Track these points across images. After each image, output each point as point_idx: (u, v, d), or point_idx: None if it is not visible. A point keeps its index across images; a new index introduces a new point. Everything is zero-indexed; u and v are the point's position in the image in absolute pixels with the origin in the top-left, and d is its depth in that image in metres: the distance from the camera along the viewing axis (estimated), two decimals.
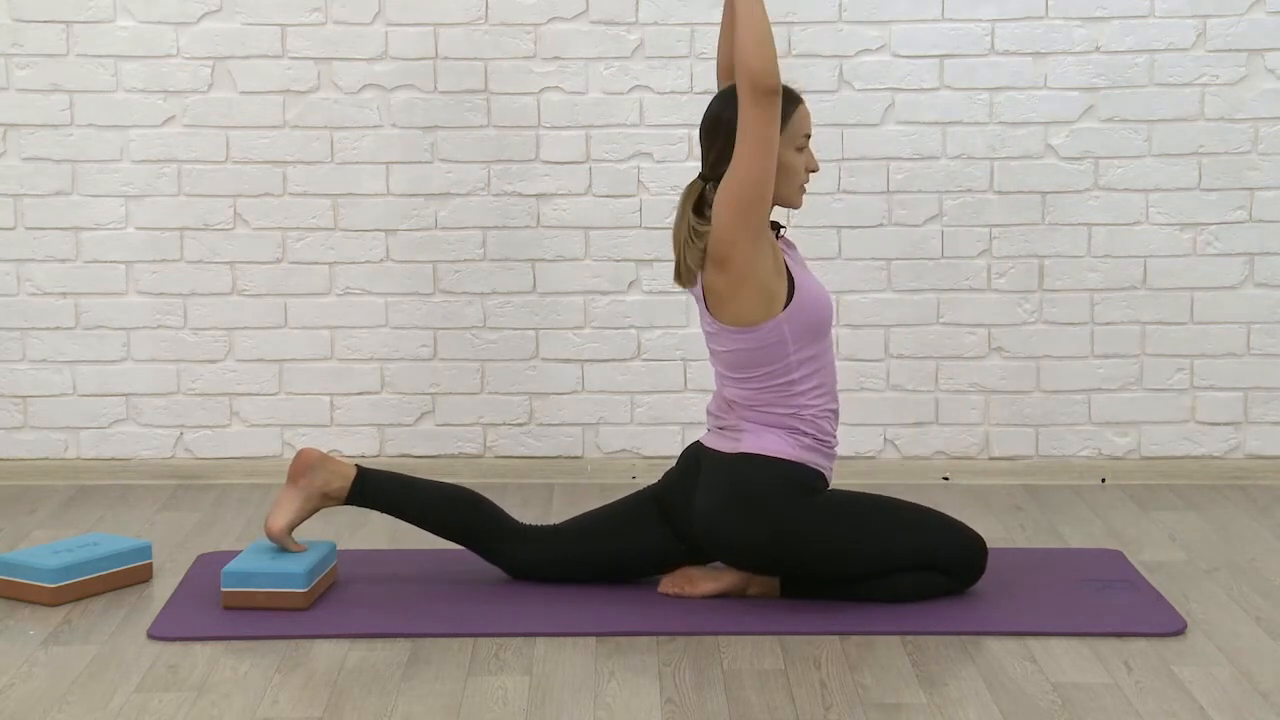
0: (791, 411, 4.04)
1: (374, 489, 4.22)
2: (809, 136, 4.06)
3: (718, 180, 4.01)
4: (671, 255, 4.14)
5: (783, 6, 5.00)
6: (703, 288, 4.06)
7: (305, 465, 4.18)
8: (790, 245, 4.16)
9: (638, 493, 4.27)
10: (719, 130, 4.01)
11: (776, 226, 4.14)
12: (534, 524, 4.32)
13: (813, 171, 4.09)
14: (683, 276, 4.09)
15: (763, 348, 4.01)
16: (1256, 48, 5.09)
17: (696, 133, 5.06)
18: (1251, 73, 5.10)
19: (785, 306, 4.00)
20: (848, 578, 4.07)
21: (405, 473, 4.35)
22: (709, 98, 5.04)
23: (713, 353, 4.12)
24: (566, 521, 4.29)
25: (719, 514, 4.03)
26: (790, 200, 4.07)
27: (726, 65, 4.16)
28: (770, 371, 4.03)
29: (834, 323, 4.18)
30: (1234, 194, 5.13)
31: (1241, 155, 5.12)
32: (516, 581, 4.26)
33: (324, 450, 5.09)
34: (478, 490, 4.36)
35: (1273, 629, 3.96)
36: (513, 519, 4.28)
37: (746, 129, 3.88)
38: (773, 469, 4.01)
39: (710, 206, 4.01)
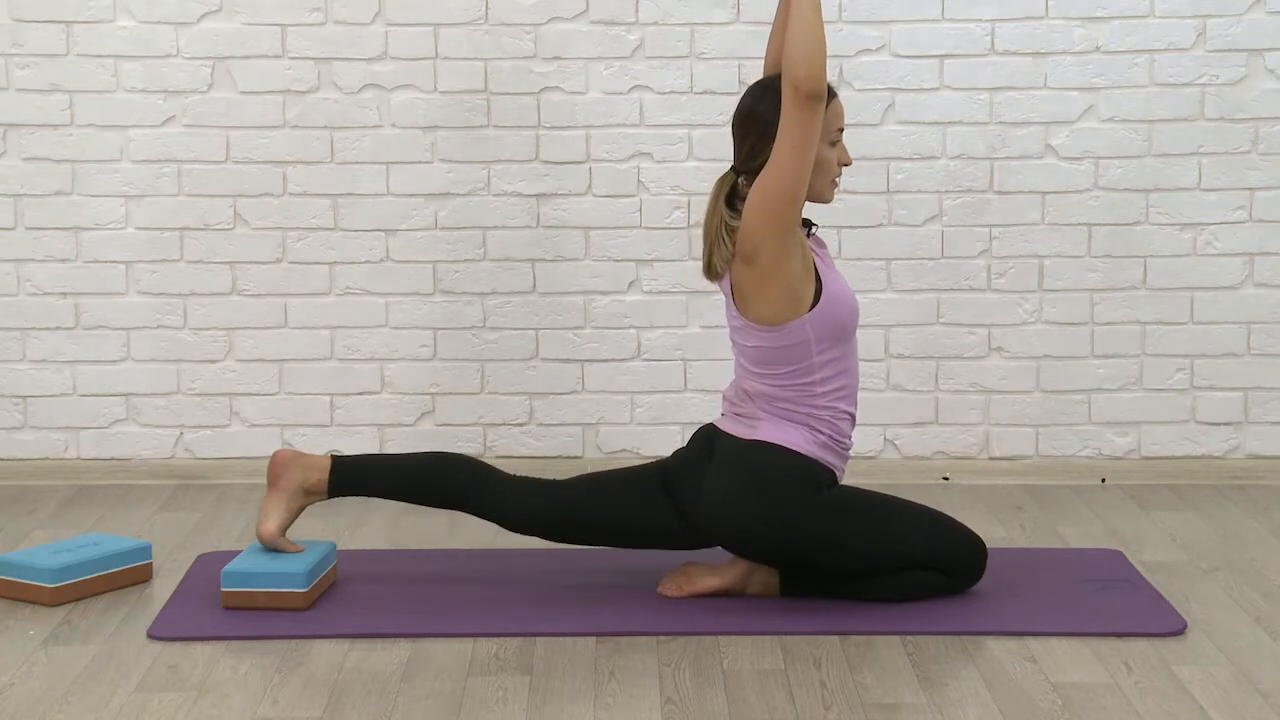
0: (810, 410, 4.04)
1: (353, 475, 4.20)
2: (842, 130, 4.05)
3: (749, 173, 4.00)
4: (700, 248, 4.12)
5: None
6: (730, 282, 4.06)
7: (281, 467, 4.18)
8: (821, 244, 4.16)
9: (645, 466, 4.24)
10: (752, 123, 4.00)
11: (808, 225, 4.13)
12: (529, 475, 4.28)
13: (845, 166, 4.08)
14: (711, 269, 4.07)
15: (786, 347, 4.01)
16: (1256, 48, 5.09)
17: (697, 133, 5.09)
18: (1251, 73, 5.10)
19: (811, 308, 4.00)
20: (848, 573, 4.07)
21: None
22: (709, 97, 5.08)
23: (736, 345, 4.12)
24: (568, 479, 4.24)
25: (728, 498, 4.03)
26: (821, 195, 4.06)
27: (775, 60, 4.13)
28: (792, 371, 4.03)
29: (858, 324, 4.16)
30: (1234, 194, 5.13)
31: (1241, 155, 5.12)
32: (516, 581, 4.25)
33: (323, 451, 5.10)
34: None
35: (1273, 629, 3.96)
36: (501, 471, 4.21)
37: (787, 131, 3.87)
38: (786, 460, 4.01)
39: (742, 200, 4.01)
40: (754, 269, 3.97)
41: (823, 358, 4.03)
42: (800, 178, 3.90)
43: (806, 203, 4.03)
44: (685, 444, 4.23)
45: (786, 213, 3.92)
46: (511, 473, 4.25)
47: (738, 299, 4.05)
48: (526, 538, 4.31)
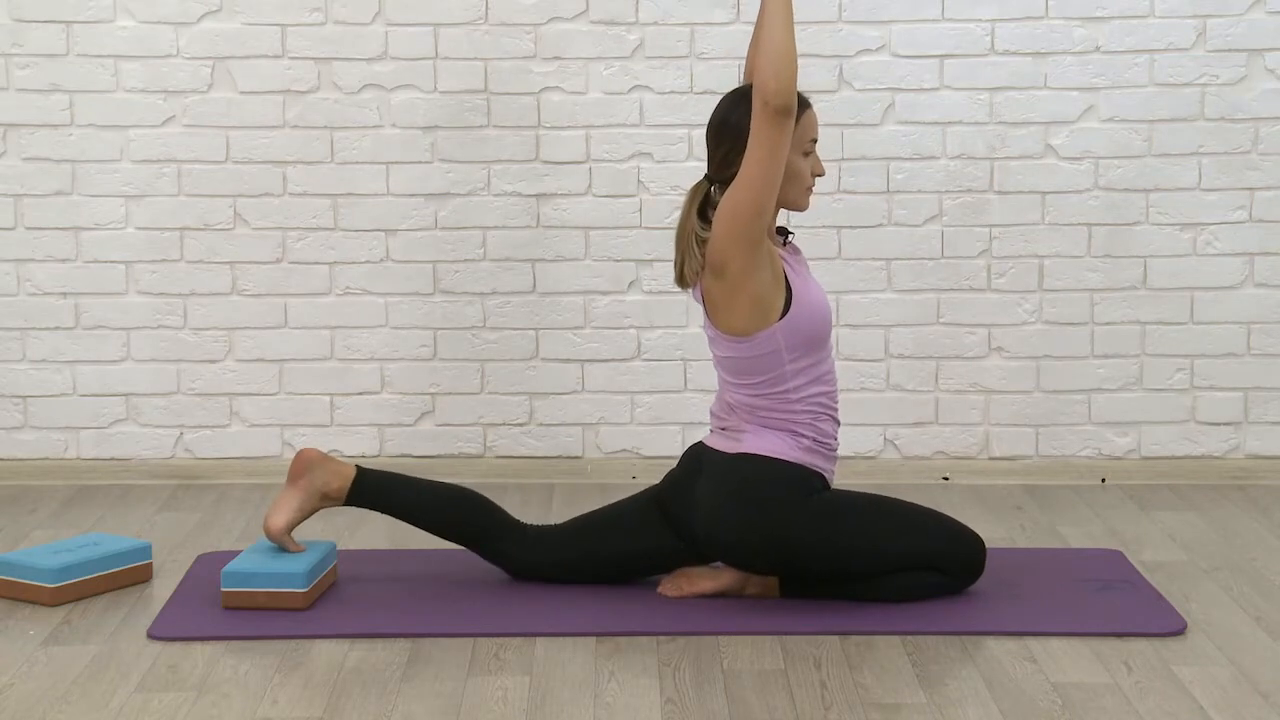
0: (789, 416, 4.04)
1: (373, 489, 4.22)
2: (815, 141, 4.05)
3: (722, 182, 4.00)
4: (673, 255, 4.13)
5: None
6: (701, 292, 4.06)
7: (305, 465, 4.19)
8: (795, 251, 4.16)
9: (639, 494, 4.27)
10: (726, 132, 4.00)
11: (785, 232, 4.13)
12: (534, 524, 4.32)
13: (818, 176, 4.08)
14: (682, 279, 4.09)
15: (757, 356, 4.01)
16: (1256, 48, 5.09)
17: (696, 133, 5.09)
18: (1251, 73, 5.10)
19: (782, 317, 3.99)
20: (846, 577, 4.07)
21: (405, 473, 4.35)
22: (709, 98, 5.07)
23: (714, 355, 4.13)
24: (567, 522, 4.29)
25: (719, 513, 4.03)
26: (796, 203, 4.06)
27: (753, 68, 4.14)
28: (766, 379, 4.02)
29: (833, 331, 4.16)
30: (1234, 194, 5.13)
31: (1241, 155, 5.12)
32: (516, 581, 4.26)
33: (324, 450, 5.10)
34: (478, 490, 4.36)
35: (1273, 629, 3.96)
36: (513, 518, 4.27)
37: (755, 145, 3.86)
38: (773, 469, 4.01)
39: (714, 209, 4.00)
40: (723, 280, 3.97)
41: (795, 366, 4.02)
42: (768, 191, 3.90)
43: (782, 210, 4.04)
44: (676, 465, 4.23)
45: (754, 225, 3.91)
46: (523, 524, 4.27)
47: (709, 309, 4.05)
48: None
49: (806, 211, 4.20)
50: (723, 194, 3.98)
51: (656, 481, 4.28)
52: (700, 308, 4.12)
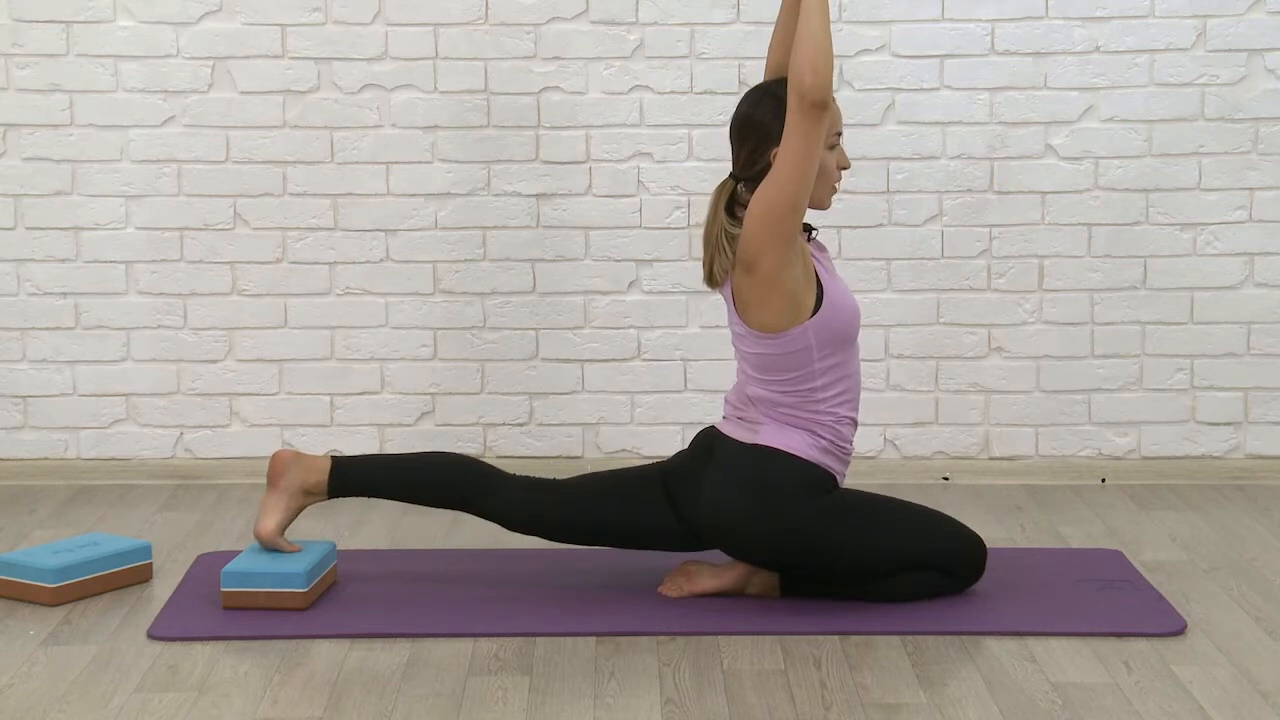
0: (812, 416, 4.03)
1: (353, 476, 4.20)
2: (840, 134, 4.04)
3: (749, 179, 4.00)
4: (701, 255, 4.11)
5: None
6: (731, 290, 4.05)
7: (281, 466, 4.18)
8: (821, 248, 4.15)
9: (646, 466, 4.23)
10: (750, 129, 3.99)
11: (808, 229, 4.13)
12: (526, 474, 4.28)
13: (844, 169, 4.07)
14: (712, 278, 4.07)
15: (788, 354, 4.00)
16: (1256, 48, 5.09)
17: (697, 133, 5.09)
18: (1251, 73, 5.10)
19: (813, 314, 3.99)
20: (848, 576, 4.07)
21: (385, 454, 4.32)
22: (709, 98, 5.08)
23: (739, 351, 4.11)
24: (570, 479, 4.24)
25: (727, 501, 4.02)
26: (821, 201, 4.04)
27: (776, 65, 4.12)
28: (795, 377, 4.02)
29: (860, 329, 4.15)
30: (1234, 194, 5.14)
31: (1241, 155, 5.12)
32: (516, 581, 4.25)
33: (324, 451, 5.11)
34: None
35: (1273, 629, 3.96)
36: (501, 471, 4.20)
37: (790, 140, 3.86)
38: (787, 464, 4.01)
39: (742, 206, 4.00)
40: (754, 277, 3.96)
41: (824, 364, 4.02)
42: (804, 186, 3.89)
43: (806, 210, 4.03)
44: (686, 446, 4.22)
45: (788, 221, 3.91)
46: (512, 473, 4.25)
47: (739, 307, 4.04)
48: (527, 537, 4.31)
49: (826, 211, 4.17)
50: (749, 191, 3.98)
51: (666, 458, 4.23)
52: (727, 306, 4.09)
